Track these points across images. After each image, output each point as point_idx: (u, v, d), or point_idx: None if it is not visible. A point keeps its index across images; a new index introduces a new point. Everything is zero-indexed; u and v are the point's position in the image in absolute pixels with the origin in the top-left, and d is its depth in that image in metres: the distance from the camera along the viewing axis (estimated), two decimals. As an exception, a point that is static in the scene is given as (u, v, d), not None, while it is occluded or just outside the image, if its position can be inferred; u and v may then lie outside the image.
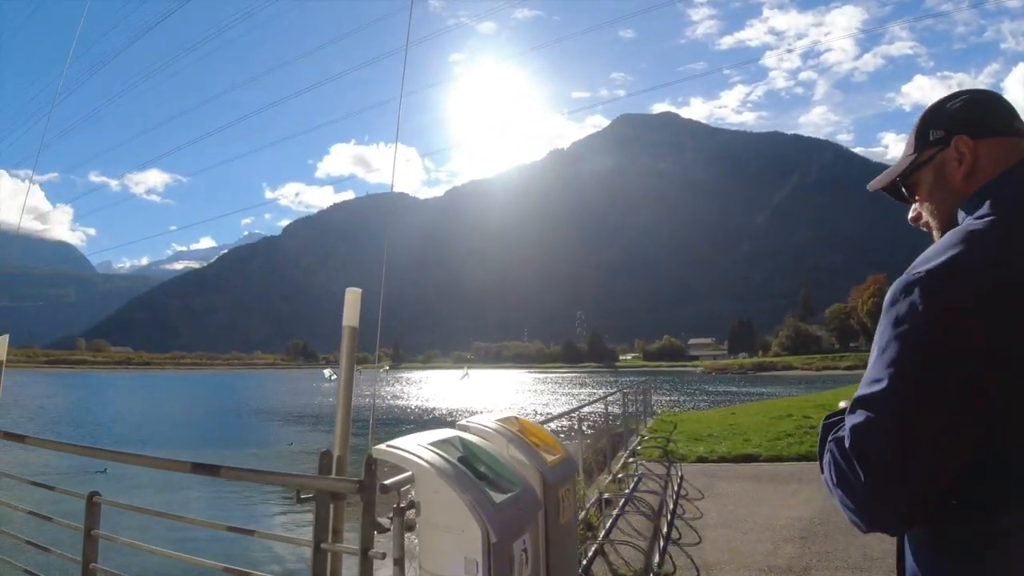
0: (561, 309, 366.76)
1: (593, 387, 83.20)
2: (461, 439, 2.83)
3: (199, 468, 2.92)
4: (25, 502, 4.22)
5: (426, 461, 2.45)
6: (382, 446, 2.58)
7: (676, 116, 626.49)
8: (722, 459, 11.76)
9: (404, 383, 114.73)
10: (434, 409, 52.03)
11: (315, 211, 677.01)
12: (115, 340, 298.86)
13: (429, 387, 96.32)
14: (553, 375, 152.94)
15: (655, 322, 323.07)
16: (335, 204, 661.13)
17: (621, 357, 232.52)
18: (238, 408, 58.80)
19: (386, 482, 2.48)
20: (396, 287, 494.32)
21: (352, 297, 2.90)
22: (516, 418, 3.48)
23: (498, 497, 2.45)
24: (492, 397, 64.05)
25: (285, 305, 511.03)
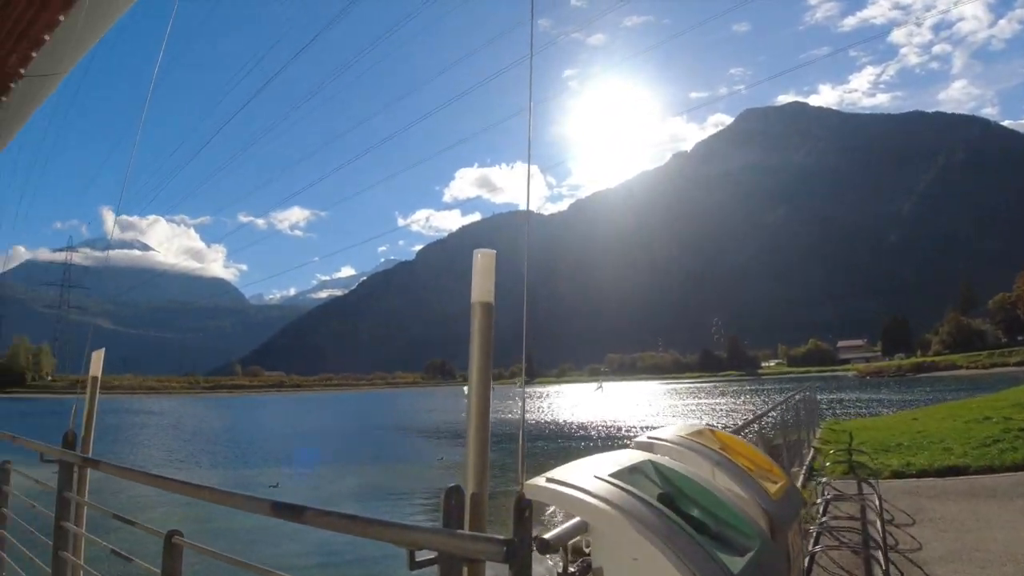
0: (695, 316, 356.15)
1: (733, 396, 79.37)
2: (653, 465, 1.85)
3: (281, 510, 2.23)
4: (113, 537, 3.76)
5: (612, 503, 1.53)
6: (539, 480, 1.69)
7: (804, 105, 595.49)
8: (923, 473, 9.99)
9: (537, 397, 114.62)
10: (571, 423, 51.08)
11: (445, 234, 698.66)
12: (268, 365, 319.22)
13: (563, 400, 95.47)
14: (690, 385, 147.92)
15: (795, 325, 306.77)
16: (463, 227, 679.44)
17: (763, 364, 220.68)
18: (384, 425, 60.60)
19: (547, 536, 1.58)
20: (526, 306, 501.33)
21: (485, 261, 2.06)
22: (711, 430, 2.49)
23: (733, 561, 1.47)
24: (631, 410, 62.25)
25: (422, 326, 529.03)
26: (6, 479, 5.06)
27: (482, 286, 2.28)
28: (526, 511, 1.62)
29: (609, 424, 45.73)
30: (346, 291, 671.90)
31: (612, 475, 1.71)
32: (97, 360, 4.24)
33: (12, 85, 10.70)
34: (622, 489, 1.61)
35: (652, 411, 59.99)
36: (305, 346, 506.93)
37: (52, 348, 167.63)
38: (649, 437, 2.35)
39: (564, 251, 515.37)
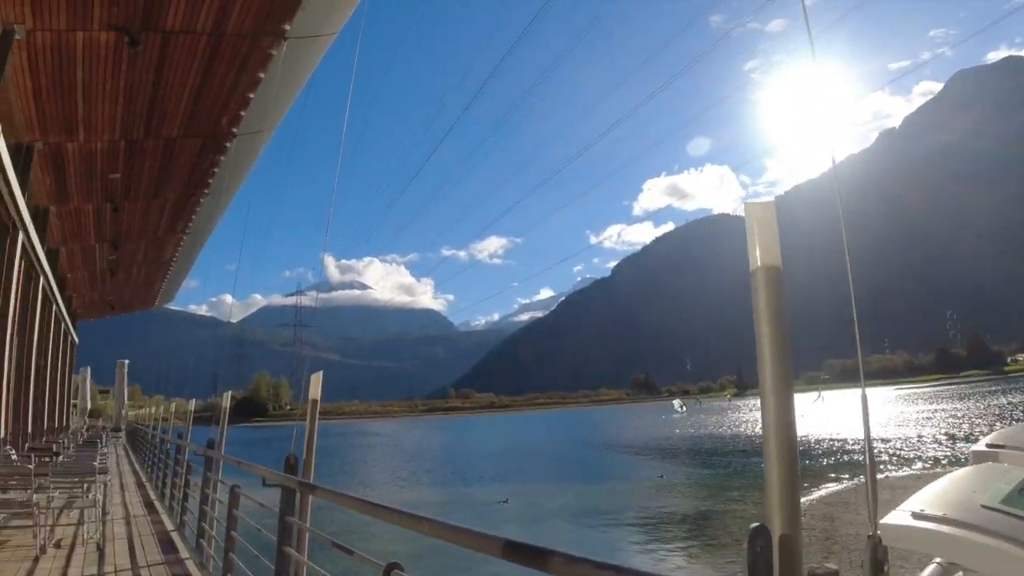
0: (925, 311, 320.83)
1: (977, 400, 70.16)
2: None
3: (518, 553, 1.78)
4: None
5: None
6: (895, 518, 1.38)
7: (1021, 60, 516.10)
8: None
9: (747, 411, 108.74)
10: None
11: (639, 248, 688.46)
12: (479, 387, 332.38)
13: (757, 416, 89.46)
14: (925, 390, 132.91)
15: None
16: (657, 238, 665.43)
17: (1009, 359, 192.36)
18: (594, 442, 60.24)
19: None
20: (730, 311, 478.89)
21: (762, 213, 1.57)
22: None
23: None
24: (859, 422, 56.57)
25: (623, 342, 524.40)
26: (236, 503, 5.30)
27: (764, 245, 1.62)
28: (884, 564, 1.25)
29: (836, 438, 42.04)
30: (546, 312, 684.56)
31: (1004, 504, 1.26)
32: (316, 383, 4.28)
33: (228, 145, 12.09)
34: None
35: (890, 421, 54.10)
36: (511, 368, 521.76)
37: (289, 381, 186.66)
38: (989, 445, 1.90)
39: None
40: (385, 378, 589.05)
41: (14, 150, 9.43)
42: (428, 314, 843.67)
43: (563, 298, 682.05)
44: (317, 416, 4.33)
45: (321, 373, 4.38)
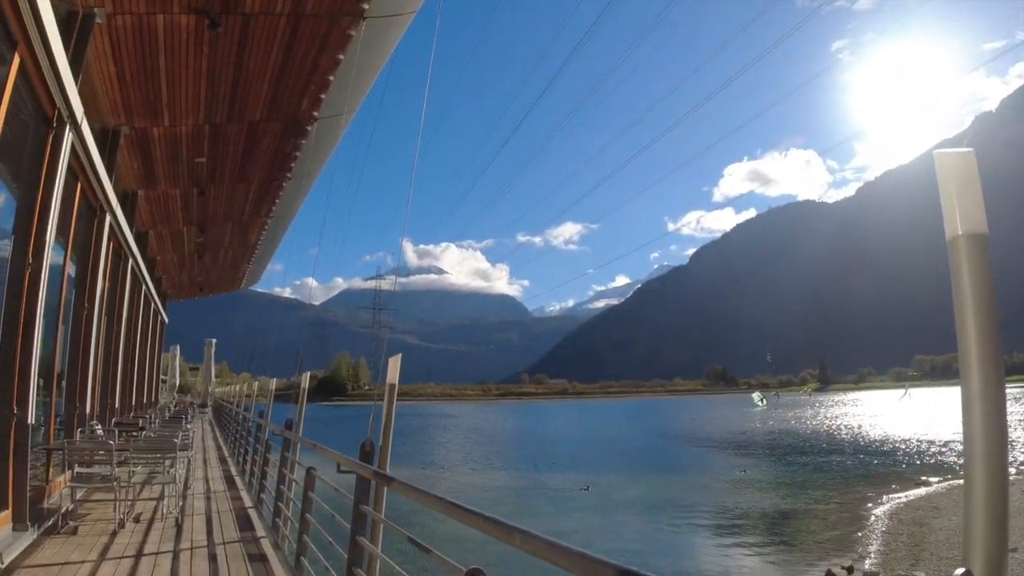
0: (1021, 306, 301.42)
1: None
2: None
3: None
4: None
5: None
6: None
7: None
8: None
9: (829, 406, 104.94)
10: (871, 436, 45.56)
11: (718, 235, 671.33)
12: (552, 374, 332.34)
13: (859, 410, 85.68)
14: (1014, 390, 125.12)
15: None
16: (738, 225, 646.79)
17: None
18: (671, 433, 59.30)
19: None
20: (814, 302, 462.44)
21: (960, 166, 1.19)
22: None
23: None
24: (949, 421, 53.25)
25: (700, 332, 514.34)
26: (311, 485, 5.24)
27: (965, 207, 1.18)
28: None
29: (925, 438, 39.95)
30: (621, 299, 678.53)
31: None
32: (394, 367, 4.09)
33: (309, 128, 12.15)
34: None
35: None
36: (585, 355, 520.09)
37: (367, 362, 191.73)
38: None
39: (856, 241, 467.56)
40: (460, 362, 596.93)
41: (100, 135, 9.72)
42: (503, 299, 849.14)
43: (639, 285, 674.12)
44: (395, 401, 4.16)
45: (399, 356, 4.20)
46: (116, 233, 10.67)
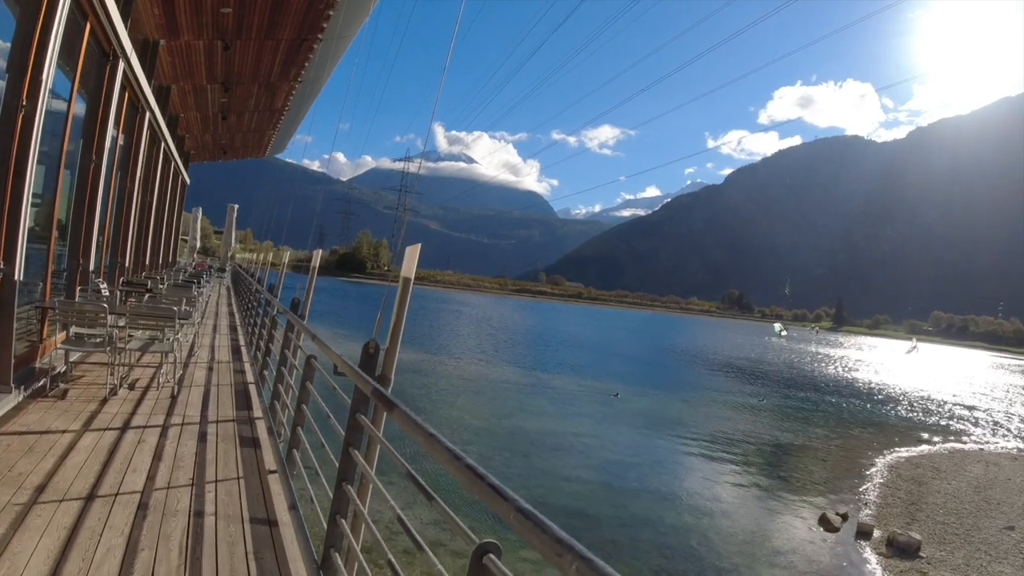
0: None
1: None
2: None
3: None
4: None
5: None
6: None
7: None
8: None
9: (836, 346, 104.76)
10: (873, 384, 45.21)
11: (758, 159, 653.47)
12: (570, 276, 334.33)
13: (867, 355, 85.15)
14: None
15: None
16: (780, 151, 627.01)
17: None
18: (681, 351, 59.60)
19: None
20: (843, 240, 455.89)
21: None
22: None
23: None
24: (950, 382, 52.41)
25: (723, 254, 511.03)
26: (310, 375, 4.85)
27: None
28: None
29: (932, 396, 39.55)
30: (649, 211, 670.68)
31: None
32: (411, 257, 3.52)
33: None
34: None
35: (979, 389, 50.14)
36: (605, 261, 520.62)
37: (389, 243, 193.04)
38: None
39: (896, 186, 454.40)
40: (480, 253, 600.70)
41: (116, -31, 8.91)
42: (530, 196, 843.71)
43: (669, 199, 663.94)
44: (409, 296, 3.60)
45: (418, 247, 3.50)
46: (131, 83, 10.01)
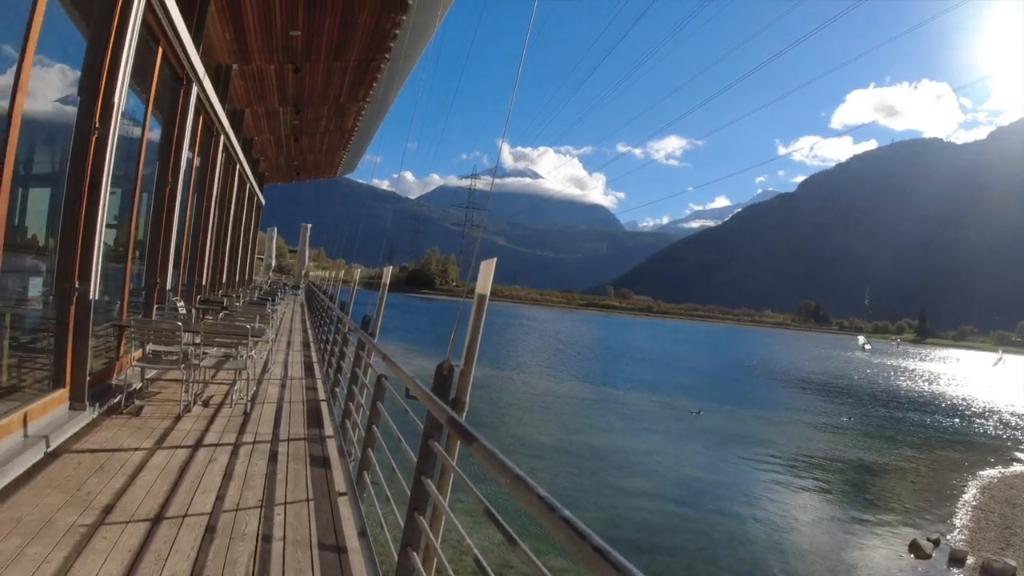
0: None
1: None
2: None
3: None
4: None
5: None
6: None
7: None
8: None
9: (918, 359, 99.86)
10: (954, 398, 42.67)
11: (832, 164, 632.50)
12: (638, 290, 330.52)
13: (950, 368, 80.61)
14: None
15: None
16: (855, 156, 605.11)
17: None
18: (757, 366, 57.88)
19: None
20: (924, 247, 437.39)
21: None
22: None
23: None
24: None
25: (798, 264, 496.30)
26: (380, 395, 4.71)
27: None
28: None
29: (1012, 411, 37.07)
30: (718, 222, 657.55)
31: None
32: (487, 271, 3.36)
33: (410, 2, 11.34)
34: None
35: None
36: (674, 274, 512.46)
37: (457, 259, 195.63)
38: None
39: (978, 189, 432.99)
40: (546, 267, 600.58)
41: (187, -2, 9.20)
42: (596, 209, 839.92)
43: (739, 209, 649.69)
44: (484, 314, 3.41)
45: (493, 261, 3.44)
46: (205, 106, 10.29)
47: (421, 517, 3.06)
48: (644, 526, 11.85)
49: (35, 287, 5.54)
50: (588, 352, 52.49)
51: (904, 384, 51.43)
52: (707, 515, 13.02)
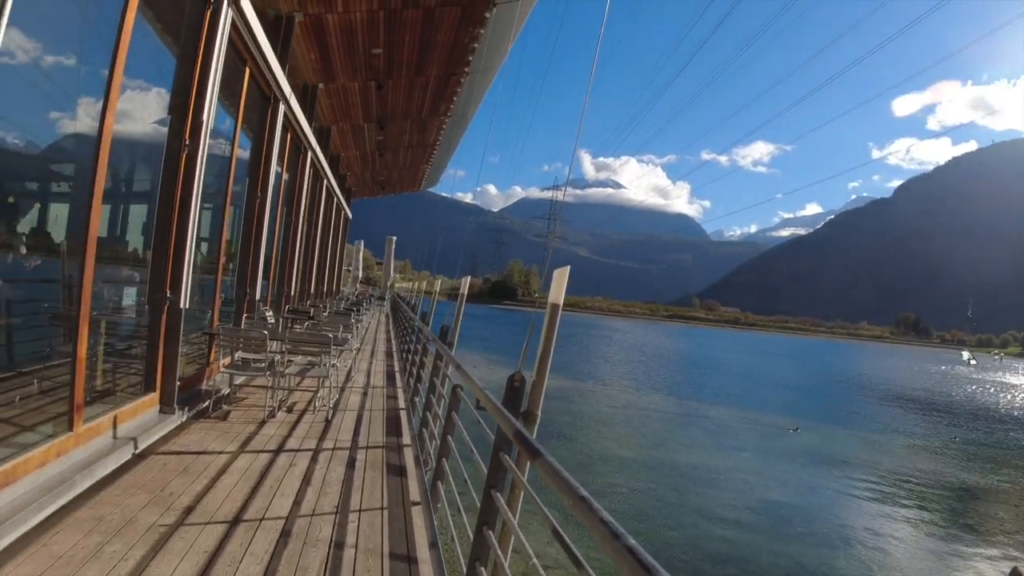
0: None
1: None
2: None
3: None
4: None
5: None
6: None
7: None
8: None
9: (1018, 374, 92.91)
10: None
11: (930, 168, 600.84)
12: (725, 301, 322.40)
13: None
14: None
15: None
16: (954, 158, 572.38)
17: None
18: (855, 381, 55.36)
19: None
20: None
21: None
22: None
23: None
24: None
25: (895, 273, 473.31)
26: (455, 405, 4.73)
27: None
28: None
29: None
30: (810, 230, 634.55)
31: None
32: (560, 280, 3.29)
33: (487, 15, 11.34)
34: None
35: None
36: (762, 285, 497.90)
37: (539, 270, 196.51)
38: None
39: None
40: (630, 278, 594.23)
41: (274, 21, 9.62)
42: (680, 219, 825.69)
43: (832, 216, 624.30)
44: (557, 324, 3.36)
45: (566, 269, 3.42)
46: (293, 124, 10.69)
47: (490, 532, 3.03)
48: (725, 549, 11.44)
49: (130, 296, 5.85)
50: (672, 364, 51.46)
51: (1006, 400, 48.13)
52: (795, 540, 12.46)
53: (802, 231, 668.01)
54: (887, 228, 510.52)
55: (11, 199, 4.50)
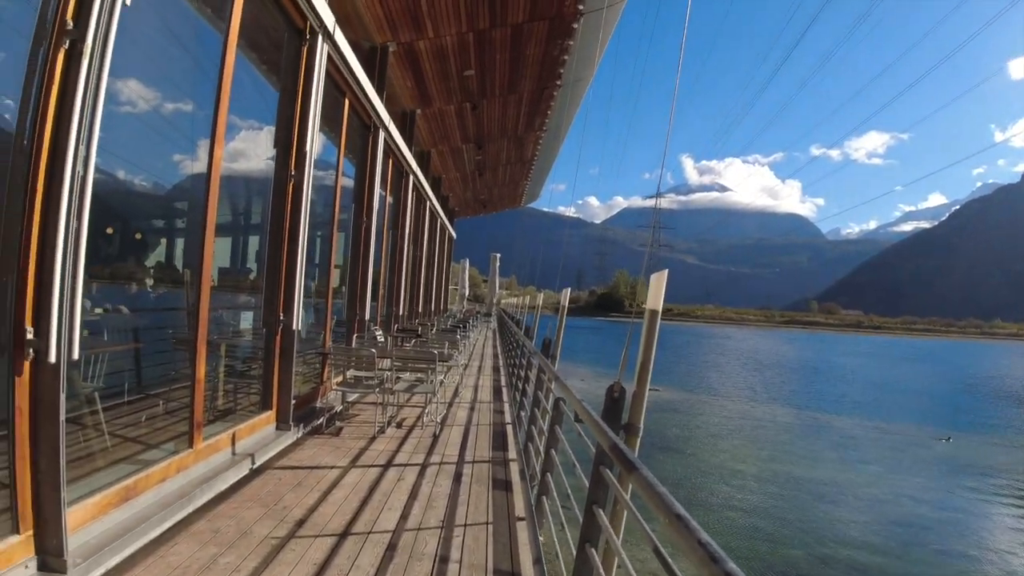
0: None
1: None
2: None
3: None
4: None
5: None
6: None
7: None
8: None
9: None
10: None
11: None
12: (845, 303, 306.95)
13: None
14: None
15: None
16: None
17: None
18: (994, 384, 51.11)
19: None
20: None
21: None
22: None
23: None
24: None
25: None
26: (559, 418, 4.74)
27: None
28: None
29: None
30: (934, 222, 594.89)
31: None
32: (657, 285, 3.25)
33: (575, 26, 11.44)
34: None
35: None
36: (885, 284, 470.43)
37: (645, 281, 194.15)
38: None
39: None
40: (741, 284, 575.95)
41: (369, 53, 10.06)
42: (792, 219, 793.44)
43: (957, 207, 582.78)
44: (657, 331, 3.28)
45: (664, 273, 3.39)
46: (393, 150, 11.07)
47: (592, 550, 3.00)
48: (860, 568, 10.80)
49: (247, 321, 6.24)
50: (790, 372, 49.23)
51: None
52: (932, 558, 11.60)
53: (925, 224, 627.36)
54: (1017, 216, 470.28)
55: (139, 235, 4.92)
